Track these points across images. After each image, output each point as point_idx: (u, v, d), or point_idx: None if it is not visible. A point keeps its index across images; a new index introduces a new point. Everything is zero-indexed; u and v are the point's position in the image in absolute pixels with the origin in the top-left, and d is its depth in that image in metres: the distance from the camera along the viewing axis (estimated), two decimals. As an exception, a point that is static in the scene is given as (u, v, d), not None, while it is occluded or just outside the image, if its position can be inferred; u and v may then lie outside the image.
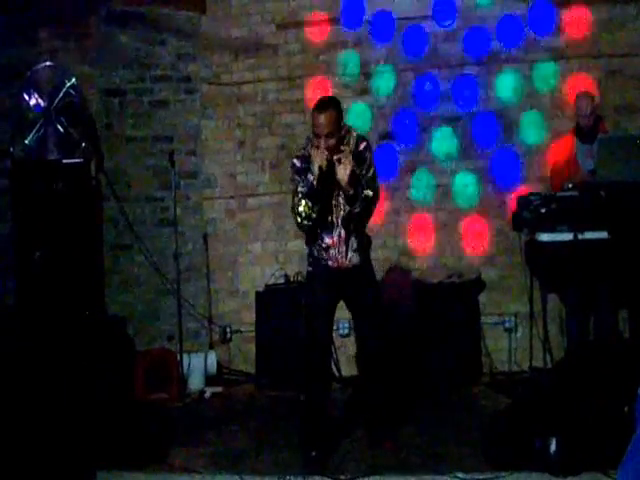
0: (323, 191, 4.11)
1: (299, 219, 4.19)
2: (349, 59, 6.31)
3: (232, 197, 6.51)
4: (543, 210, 4.83)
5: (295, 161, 4.27)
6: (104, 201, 5.87)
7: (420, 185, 6.21)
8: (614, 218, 4.74)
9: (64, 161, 5.21)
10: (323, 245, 4.26)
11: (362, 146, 4.25)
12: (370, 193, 4.20)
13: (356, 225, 4.25)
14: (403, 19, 6.20)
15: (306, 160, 4.18)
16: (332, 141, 4.11)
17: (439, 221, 6.19)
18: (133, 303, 6.21)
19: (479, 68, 6.15)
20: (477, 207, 6.15)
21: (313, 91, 6.27)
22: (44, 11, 5.96)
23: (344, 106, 6.22)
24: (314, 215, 4.14)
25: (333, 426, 4.52)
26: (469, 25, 6.14)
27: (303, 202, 4.14)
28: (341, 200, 4.19)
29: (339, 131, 4.17)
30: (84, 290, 5.02)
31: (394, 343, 4.78)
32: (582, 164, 5.27)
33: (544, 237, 4.85)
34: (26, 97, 5.36)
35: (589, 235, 4.75)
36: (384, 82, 6.27)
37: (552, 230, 4.82)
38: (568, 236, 4.77)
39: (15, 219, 5.26)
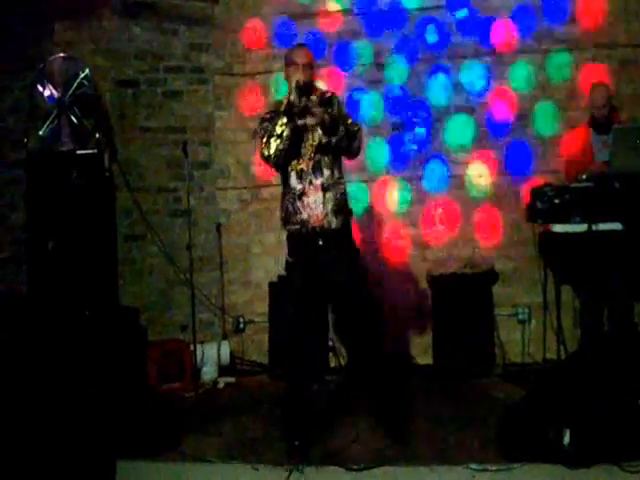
0: (298, 109, 4.15)
1: (273, 145, 4.17)
2: (362, 49, 6.29)
3: (245, 187, 6.51)
4: (557, 201, 4.81)
5: (264, 116, 4.38)
6: (117, 191, 5.87)
7: (433, 176, 6.19)
8: (628, 209, 4.71)
9: (78, 152, 5.21)
10: (297, 192, 4.25)
11: (329, 94, 4.36)
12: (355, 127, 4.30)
13: (334, 159, 4.28)
14: (416, 9, 6.18)
15: (275, 115, 4.25)
16: (309, 72, 4.22)
17: (452, 212, 6.17)
18: (146, 293, 6.23)
19: (492, 58, 6.12)
20: (490, 198, 6.14)
21: (326, 81, 6.27)
22: (58, 2, 5.97)
23: (357, 96, 6.27)
24: (286, 134, 4.13)
25: (321, 416, 4.52)
26: (483, 15, 6.10)
27: (277, 125, 4.16)
28: (311, 145, 4.23)
29: (313, 74, 4.31)
30: (97, 280, 5.03)
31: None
32: (597, 155, 5.24)
33: (558, 228, 4.83)
34: (40, 88, 5.37)
35: (603, 226, 4.72)
36: (397, 72, 6.25)
37: (566, 221, 4.79)
38: (582, 227, 4.74)
39: (29, 209, 5.28)
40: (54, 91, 5.35)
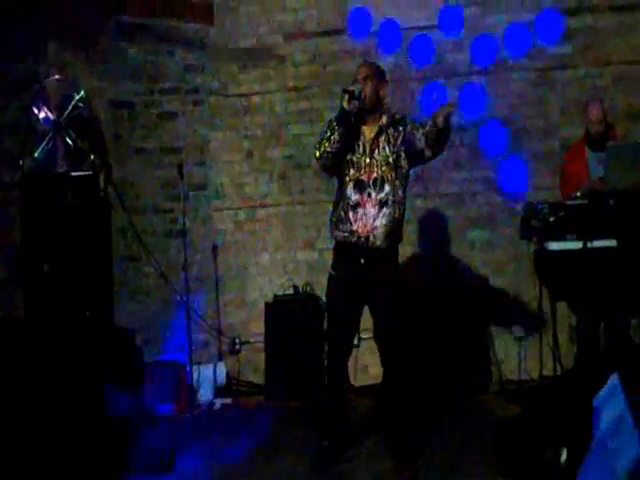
0: (350, 114, 4.11)
1: (322, 147, 4.16)
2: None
3: (240, 208, 6.52)
4: (552, 219, 4.82)
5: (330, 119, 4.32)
6: (113, 212, 5.88)
7: (428, 193, 6.21)
8: (623, 226, 4.72)
9: (73, 173, 5.21)
10: (351, 202, 4.16)
11: (399, 115, 4.30)
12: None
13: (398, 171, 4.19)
14: (410, 29, 6.21)
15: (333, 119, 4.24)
16: (367, 85, 4.17)
17: (448, 229, 6.18)
18: (142, 314, 6.21)
19: (486, 77, 6.14)
20: (486, 215, 6.14)
21: (321, 102, 6.30)
22: (53, 24, 6.00)
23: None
24: (334, 137, 4.11)
25: (351, 427, 4.51)
26: (476, 34, 6.14)
27: (330, 128, 4.16)
28: (376, 160, 4.17)
29: (377, 89, 4.22)
30: (93, 301, 5.03)
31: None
32: (593, 172, 5.25)
33: (553, 246, 4.83)
34: (35, 110, 5.37)
35: (598, 244, 4.73)
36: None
37: (561, 239, 4.80)
38: (577, 245, 4.75)
39: (24, 231, 5.27)
40: (49, 113, 5.36)
